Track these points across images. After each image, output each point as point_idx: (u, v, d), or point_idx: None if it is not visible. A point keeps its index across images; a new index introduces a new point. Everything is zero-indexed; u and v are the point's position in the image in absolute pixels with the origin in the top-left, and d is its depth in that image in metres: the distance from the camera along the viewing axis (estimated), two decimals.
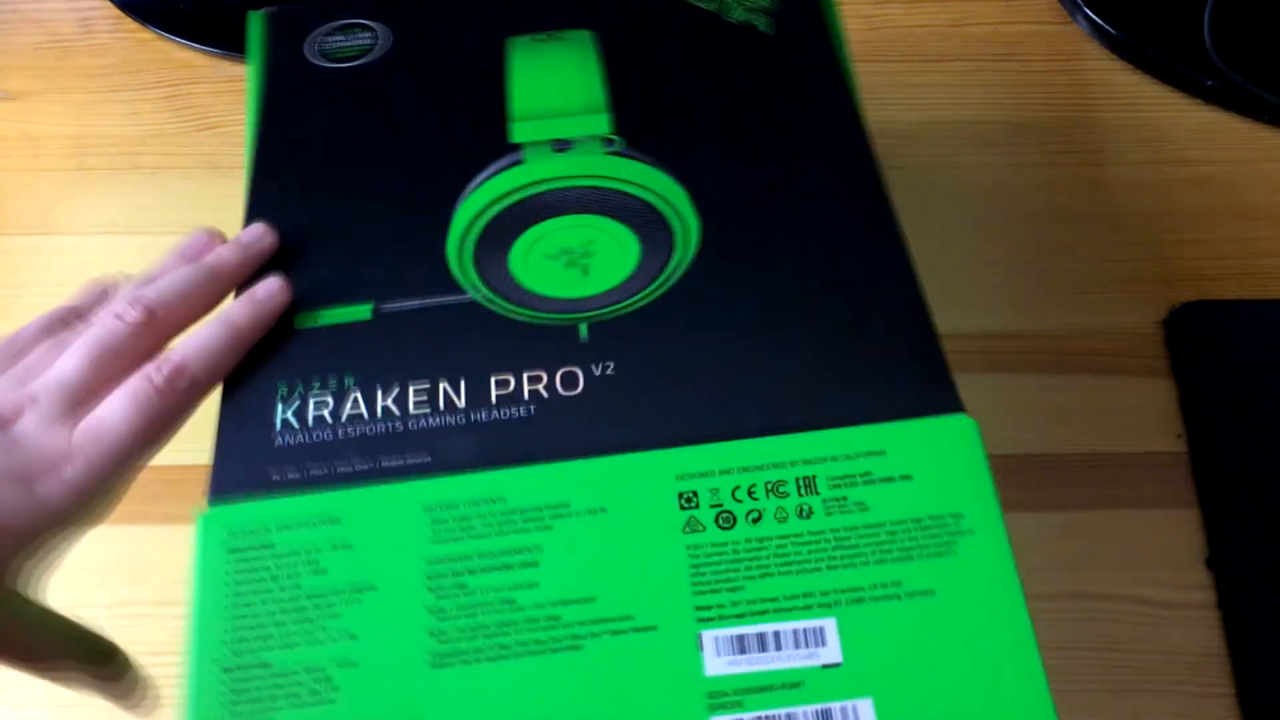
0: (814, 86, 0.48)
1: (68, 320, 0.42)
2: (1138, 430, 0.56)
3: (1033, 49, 0.70)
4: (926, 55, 0.70)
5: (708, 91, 0.48)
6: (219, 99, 0.69)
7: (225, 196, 0.65)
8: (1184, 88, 0.67)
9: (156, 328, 0.41)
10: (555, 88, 0.48)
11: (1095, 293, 0.61)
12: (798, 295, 0.41)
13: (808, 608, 0.36)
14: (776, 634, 0.35)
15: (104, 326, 0.40)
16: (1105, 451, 0.56)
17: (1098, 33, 0.69)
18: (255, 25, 0.51)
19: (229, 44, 0.70)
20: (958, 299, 0.60)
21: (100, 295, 0.44)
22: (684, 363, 0.39)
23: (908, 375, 0.38)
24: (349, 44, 0.50)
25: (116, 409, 0.39)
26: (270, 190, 0.46)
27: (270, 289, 0.42)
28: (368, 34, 0.51)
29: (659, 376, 0.39)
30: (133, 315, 0.40)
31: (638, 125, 0.47)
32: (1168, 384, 0.58)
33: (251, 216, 0.45)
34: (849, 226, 0.43)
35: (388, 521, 0.37)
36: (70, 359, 0.40)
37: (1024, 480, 0.55)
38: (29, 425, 0.38)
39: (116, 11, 0.72)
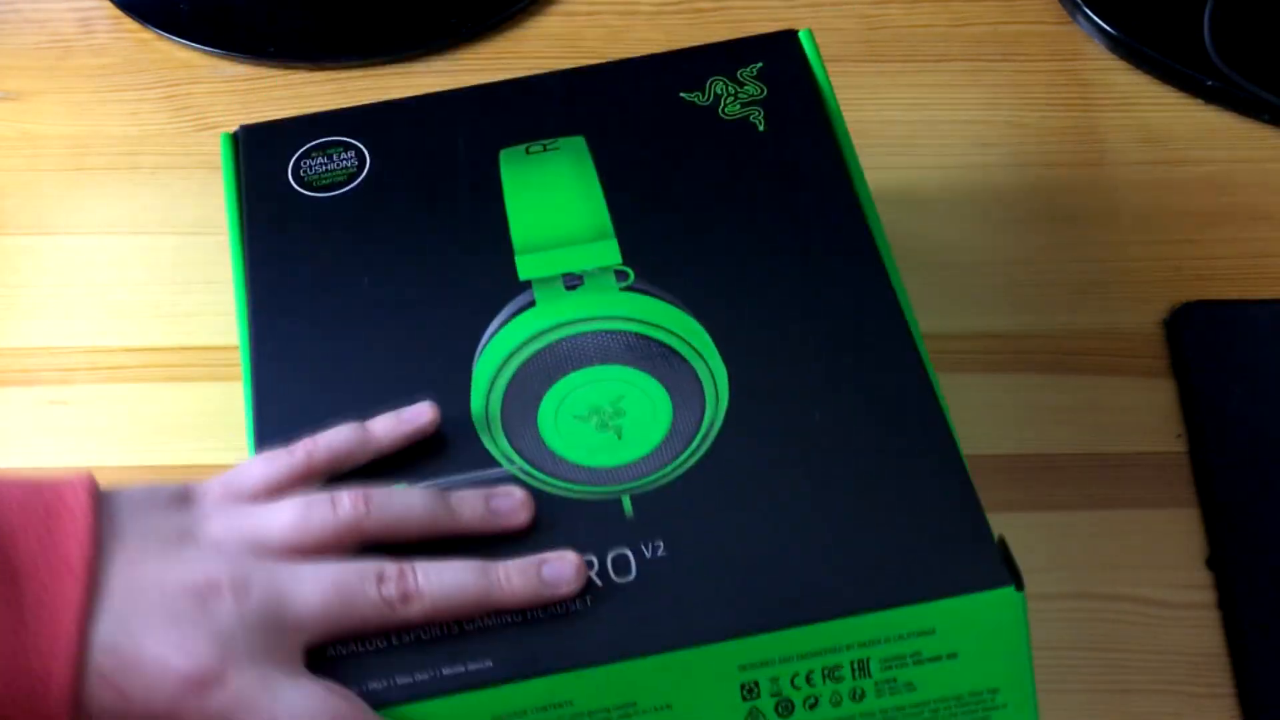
0: (814, 187, 0.46)
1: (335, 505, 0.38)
2: (1138, 430, 0.56)
3: (1032, 49, 0.70)
4: (926, 55, 0.70)
5: (710, 204, 0.46)
6: (219, 99, 0.69)
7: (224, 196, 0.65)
8: (1184, 88, 0.67)
9: (413, 610, 0.37)
10: (557, 212, 0.46)
11: (1095, 293, 0.61)
12: (836, 456, 0.40)
13: None
14: None
15: (359, 584, 0.37)
16: (1106, 451, 0.56)
17: (1098, 32, 0.69)
18: (226, 146, 0.49)
19: (229, 44, 0.70)
20: (958, 299, 0.60)
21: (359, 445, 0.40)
22: (733, 540, 0.38)
23: (956, 549, 0.38)
24: (333, 167, 0.47)
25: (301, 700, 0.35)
26: (275, 364, 0.43)
27: None
28: (350, 154, 0.48)
29: (711, 558, 0.38)
30: (391, 592, 0.37)
31: (645, 248, 0.45)
32: (1168, 384, 0.58)
33: (261, 391, 0.43)
34: (877, 380, 0.42)
35: None
36: (311, 583, 0.37)
37: (1024, 480, 0.55)
38: (232, 613, 0.35)
39: (116, 11, 0.72)
